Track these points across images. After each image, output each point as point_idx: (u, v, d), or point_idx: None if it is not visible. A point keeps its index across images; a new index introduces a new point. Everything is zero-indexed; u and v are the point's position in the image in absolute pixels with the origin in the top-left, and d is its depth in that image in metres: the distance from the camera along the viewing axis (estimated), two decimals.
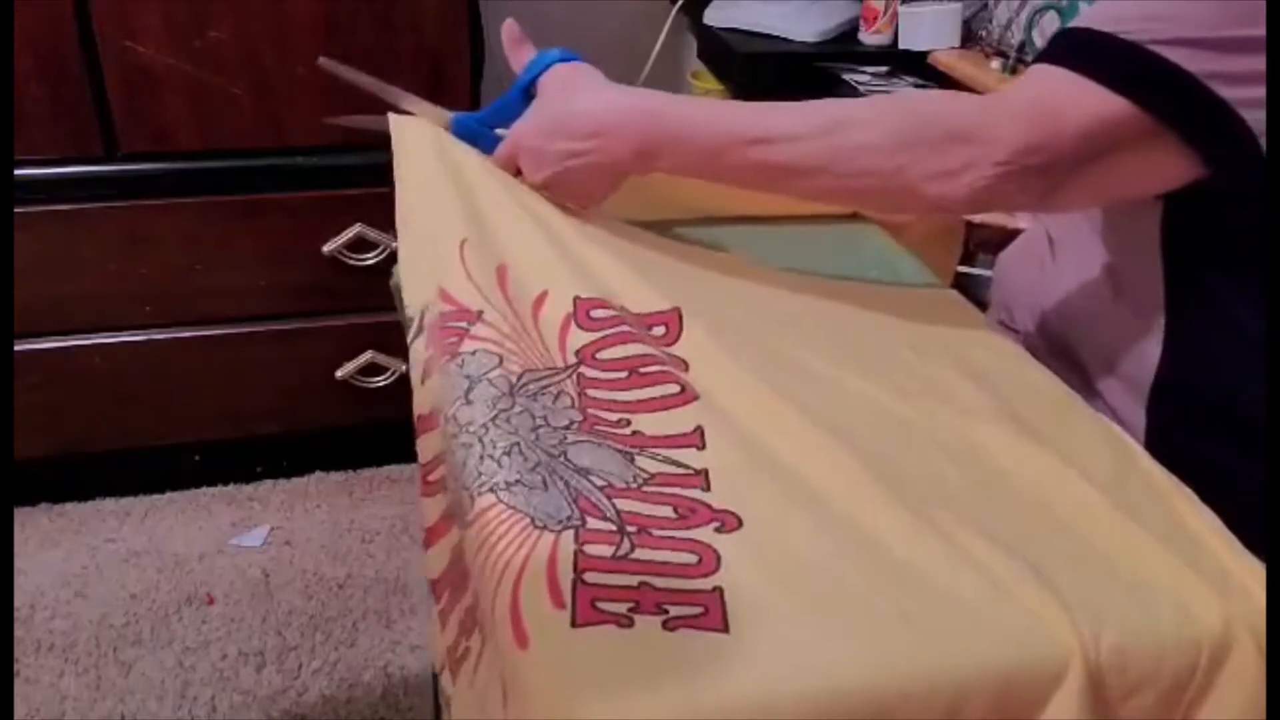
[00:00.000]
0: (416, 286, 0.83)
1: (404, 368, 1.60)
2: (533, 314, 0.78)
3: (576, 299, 0.79)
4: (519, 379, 0.72)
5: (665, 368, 0.75)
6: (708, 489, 0.66)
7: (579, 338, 0.77)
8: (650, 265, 0.85)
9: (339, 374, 1.64)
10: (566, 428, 0.69)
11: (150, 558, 1.58)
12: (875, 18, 1.75)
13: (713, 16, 1.83)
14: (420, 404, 0.78)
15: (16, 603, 1.48)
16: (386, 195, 1.54)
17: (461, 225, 0.84)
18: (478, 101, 1.55)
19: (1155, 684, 0.58)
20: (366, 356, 1.64)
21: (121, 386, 1.58)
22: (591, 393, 0.73)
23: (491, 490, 0.63)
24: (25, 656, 1.40)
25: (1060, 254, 0.94)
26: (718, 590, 0.59)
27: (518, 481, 0.64)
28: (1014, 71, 1.55)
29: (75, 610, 1.48)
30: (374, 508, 1.71)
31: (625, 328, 0.77)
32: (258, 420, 1.67)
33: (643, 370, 0.74)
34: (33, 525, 1.64)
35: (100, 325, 1.55)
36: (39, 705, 1.34)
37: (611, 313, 0.78)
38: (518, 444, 0.67)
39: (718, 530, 0.63)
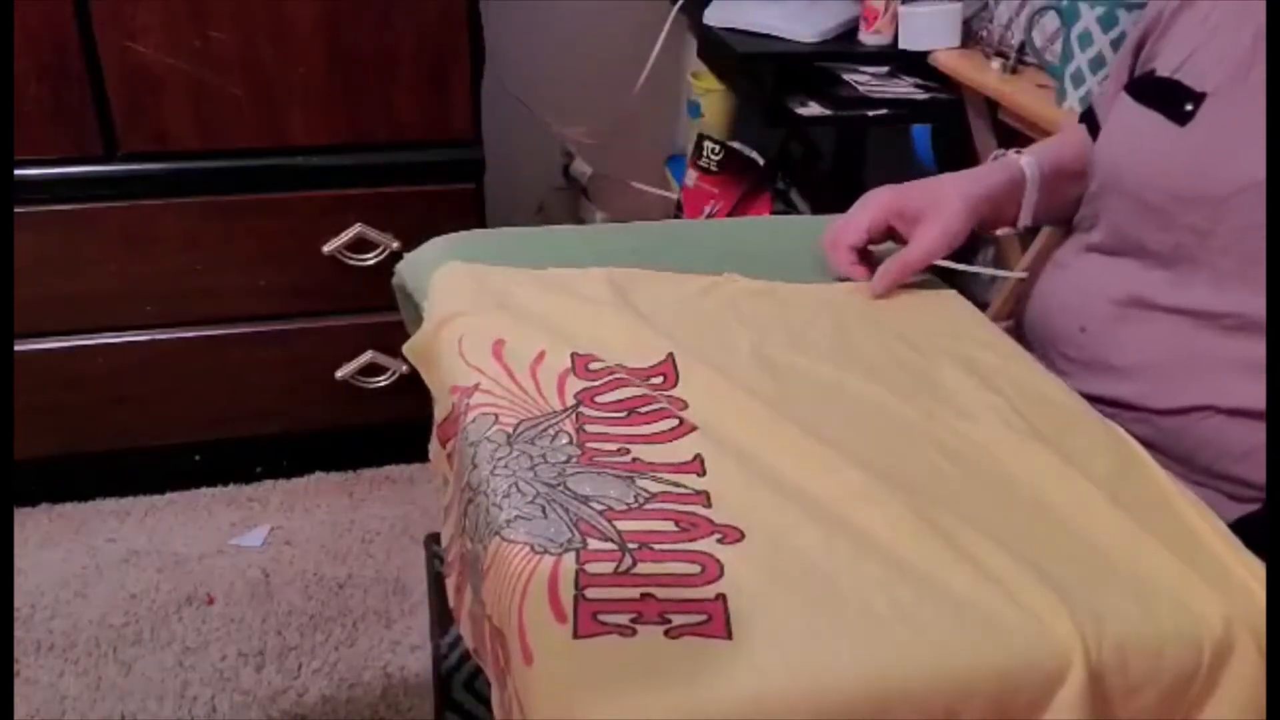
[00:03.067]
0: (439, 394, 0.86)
1: (404, 368, 1.60)
2: (530, 371, 0.80)
3: (574, 355, 0.81)
4: (515, 429, 0.74)
5: (663, 406, 0.76)
6: (709, 506, 0.67)
7: (577, 384, 0.79)
8: (642, 318, 0.87)
9: (339, 374, 1.64)
10: (565, 462, 0.70)
11: (150, 558, 1.58)
12: (875, 18, 1.75)
13: (713, 16, 1.83)
14: (444, 502, 0.83)
15: (16, 603, 1.48)
16: (387, 195, 1.56)
17: (461, 324, 0.86)
18: (478, 101, 1.55)
19: (1156, 683, 0.58)
20: (366, 356, 1.64)
21: (122, 386, 1.58)
22: (590, 428, 0.74)
23: (496, 534, 0.65)
24: (25, 656, 1.40)
25: None
26: (720, 597, 0.59)
27: (517, 517, 0.65)
28: (1014, 71, 1.55)
29: (75, 610, 1.48)
30: (374, 508, 1.70)
31: (623, 376, 0.79)
32: (258, 420, 1.67)
33: (641, 410, 0.76)
34: (33, 525, 1.63)
35: (100, 325, 1.54)
36: (39, 705, 1.34)
37: (607, 365, 0.80)
38: (516, 483, 0.68)
39: (719, 542, 0.64)
